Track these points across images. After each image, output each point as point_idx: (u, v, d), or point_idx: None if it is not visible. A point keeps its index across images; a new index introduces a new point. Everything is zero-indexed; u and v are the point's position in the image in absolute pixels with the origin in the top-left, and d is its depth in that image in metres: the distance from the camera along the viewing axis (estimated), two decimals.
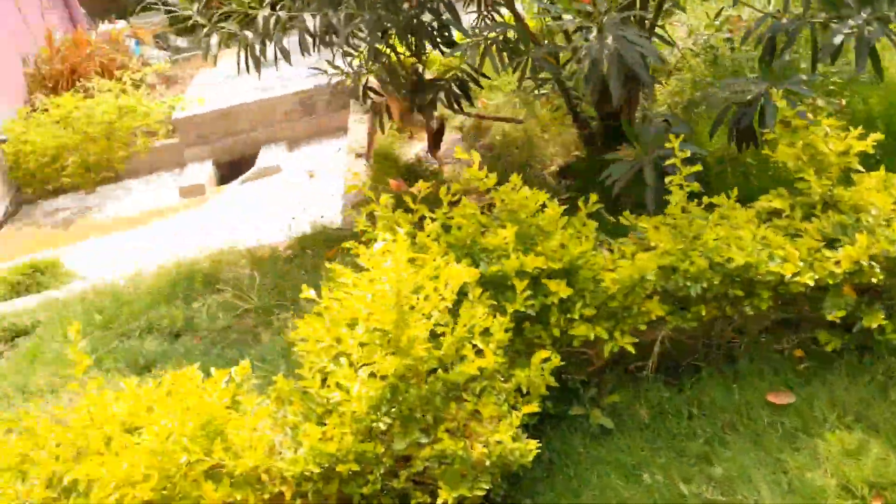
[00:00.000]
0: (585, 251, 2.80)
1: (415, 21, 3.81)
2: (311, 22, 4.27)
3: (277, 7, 4.44)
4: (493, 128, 5.77)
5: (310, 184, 6.33)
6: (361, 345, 2.38)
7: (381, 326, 2.30)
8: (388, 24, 3.85)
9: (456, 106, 4.47)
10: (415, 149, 6.06)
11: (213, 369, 2.53)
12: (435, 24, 4.00)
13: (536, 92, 4.70)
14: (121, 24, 8.93)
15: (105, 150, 6.94)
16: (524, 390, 2.65)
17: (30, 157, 6.88)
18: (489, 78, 4.47)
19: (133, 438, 2.36)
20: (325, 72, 5.53)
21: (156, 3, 5.47)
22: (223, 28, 4.60)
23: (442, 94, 4.47)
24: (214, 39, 4.56)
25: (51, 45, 7.94)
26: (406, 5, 3.88)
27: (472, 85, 4.53)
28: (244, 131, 7.21)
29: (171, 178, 7.09)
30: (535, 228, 2.89)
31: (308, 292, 2.54)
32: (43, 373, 4.07)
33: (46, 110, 7.16)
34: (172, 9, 5.29)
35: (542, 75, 4.57)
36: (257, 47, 4.54)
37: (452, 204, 2.98)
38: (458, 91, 4.44)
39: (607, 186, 3.67)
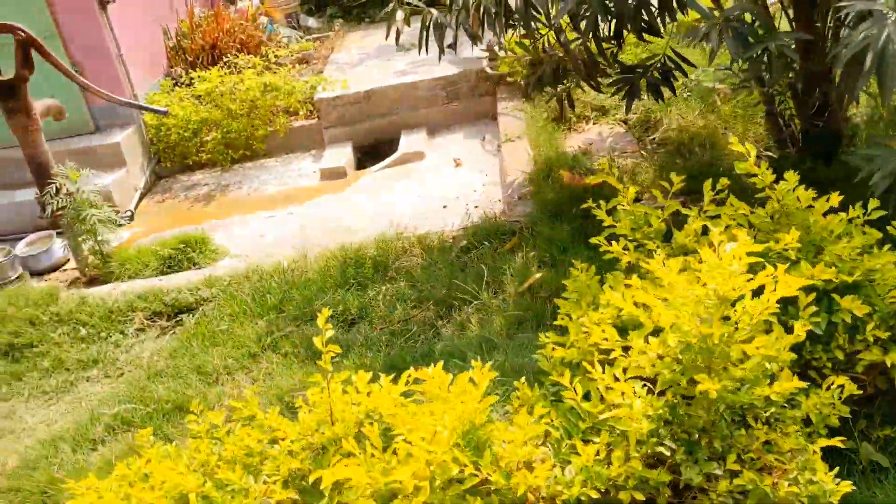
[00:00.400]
0: (885, 264, 2.44)
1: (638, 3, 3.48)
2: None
3: None
4: (664, 122, 5.42)
5: (456, 172, 6.07)
6: (660, 356, 2.09)
7: (690, 338, 2.00)
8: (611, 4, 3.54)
9: (657, 95, 4.14)
10: (574, 140, 5.75)
11: (461, 370, 2.27)
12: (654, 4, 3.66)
13: (735, 86, 4.32)
14: (255, 1, 8.85)
15: (245, 127, 6.83)
16: (813, 420, 2.32)
17: (171, 130, 6.82)
18: (695, 66, 4.11)
19: (398, 443, 2.12)
20: (493, 55, 5.28)
21: None
22: (408, 4, 4.37)
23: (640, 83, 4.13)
24: (400, 15, 4.33)
25: (191, 19, 7.90)
26: None
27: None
28: (384, 115, 7.01)
29: (310, 159, 6.93)
30: (816, 235, 2.55)
31: (612, 295, 2.25)
32: (216, 353, 3.92)
33: (191, 83, 7.08)
34: None
35: (738, 67, 4.24)
36: (443, 24, 4.30)
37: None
38: (660, 79, 4.10)
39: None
